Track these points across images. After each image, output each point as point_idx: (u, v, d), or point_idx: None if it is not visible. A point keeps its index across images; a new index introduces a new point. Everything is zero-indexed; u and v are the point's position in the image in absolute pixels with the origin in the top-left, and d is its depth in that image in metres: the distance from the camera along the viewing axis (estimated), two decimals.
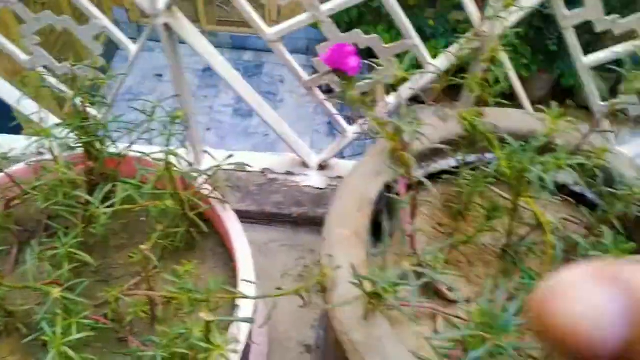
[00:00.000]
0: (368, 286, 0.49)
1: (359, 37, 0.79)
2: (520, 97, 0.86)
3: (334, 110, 0.88)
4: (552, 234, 0.57)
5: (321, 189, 1.00)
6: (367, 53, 0.73)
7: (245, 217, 1.00)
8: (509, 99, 0.72)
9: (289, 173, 1.02)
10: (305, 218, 0.99)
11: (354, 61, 0.37)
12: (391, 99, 0.88)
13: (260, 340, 0.84)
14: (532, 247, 0.63)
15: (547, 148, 0.58)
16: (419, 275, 0.62)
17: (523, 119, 0.70)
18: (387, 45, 0.80)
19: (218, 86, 4.29)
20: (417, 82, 0.81)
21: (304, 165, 1.02)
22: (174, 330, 0.56)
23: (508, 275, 0.62)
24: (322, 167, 1.02)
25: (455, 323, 0.53)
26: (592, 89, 0.82)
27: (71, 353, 0.59)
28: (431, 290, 0.62)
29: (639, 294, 0.21)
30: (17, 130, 0.92)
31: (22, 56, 0.88)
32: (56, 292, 0.62)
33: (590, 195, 0.71)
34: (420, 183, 0.55)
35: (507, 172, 0.54)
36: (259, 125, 4.04)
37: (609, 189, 0.60)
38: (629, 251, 0.48)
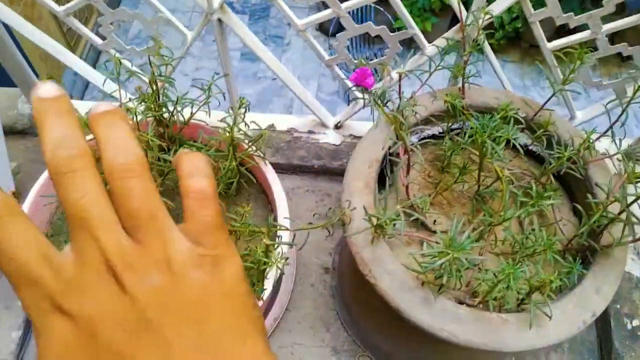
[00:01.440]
0: (374, 221, 0.73)
1: (371, 28, 1.00)
2: (501, 78, 1.08)
3: (349, 84, 1.10)
4: (507, 183, 0.80)
5: (336, 145, 1.23)
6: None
7: (276, 168, 1.23)
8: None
9: (310, 132, 1.25)
10: (324, 169, 1.22)
11: (371, 80, 0.59)
12: (395, 75, 1.10)
13: (291, 262, 1.10)
14: (494, 193, 0.87)
15: (517, 120, 0.81)
16: (410, 214, 0.86)
17: (492, 96, 0.92)
18: (392, 34, 1.01)
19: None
20: (415, 63, 1.02)
21: (323, 125, 1.25)
22: (242, 253, 0.81)
23: (476, 213, 0.86)
24: (337, 127, 1.25)
25: (433, 245, 0.77)
26: (553, 66, 1.04)
27: None
28: (420, 224, 0.86)
29: None
30: None
31: (98, 41, 1.09)
32: None
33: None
34: (412, 148, 0.78)
35: (475, 139, 0.77)
36: (267, 69, 4.19)
37: (549, 151, 0.83)
38: (547, 199, 0.71)
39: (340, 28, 1.01)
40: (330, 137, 1.24)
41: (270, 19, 5.01)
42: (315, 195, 1.23)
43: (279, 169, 1.22)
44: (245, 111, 0.84)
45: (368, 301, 0.92)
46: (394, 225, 0.82)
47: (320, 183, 1.24)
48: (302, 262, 1.15)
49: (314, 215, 1.11)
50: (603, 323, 1.09)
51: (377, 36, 1.02)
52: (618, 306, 1.09)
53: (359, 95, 1.14)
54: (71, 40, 4.14)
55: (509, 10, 3.73)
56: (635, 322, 1.07)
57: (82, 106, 1.22)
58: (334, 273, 1.14)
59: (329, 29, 4.40)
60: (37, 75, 1.24)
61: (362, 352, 1.05)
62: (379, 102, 0.70)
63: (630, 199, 0.76)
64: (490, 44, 3.79)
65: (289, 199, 1.23)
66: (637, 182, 0.76)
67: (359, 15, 4.13)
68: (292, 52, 4.77)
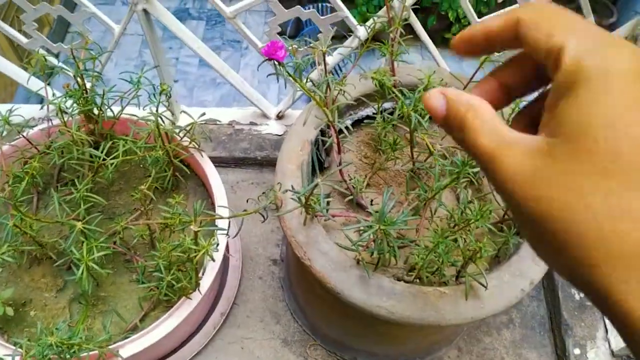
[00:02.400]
0: (303, 200, 0.72)
1: (301, 12, 0.99)
2: (431, 51, 1.08)
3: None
4: (438, 157, 0.80)
5: (279, 135, 1.22)
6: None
7: (218, 162, 1.21)
8: None
9: (252, 123, 1.23)
10: (268, 160, 1.20)
11: (282, 52, 0.58)
12: (329, 59, 1.09)
13: (236, 256, 1.08)
14: (429, 170, 0.86)
15: None
16: (345, 195, 0.85)
17: (413, 73, 0.91)
18: (323, 17, 1.00)
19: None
20: (345, 48, 1.02)
21: (265, 116, 1.23)
22: (171, 244, 0.79)
23: (412, 190, 0.86)
24: (279, 117, 1.23)
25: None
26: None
27: (96, 267, 0.81)
28: (356, 205, 0.85)
29: None
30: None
31: (23, 39, 1.06)
32: (79, 224, 0.83)
33: None
34: (342, 130, 0.76)
35: (401, 114, 0.77)
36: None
37: None
38: (473, 167, 0.70)
39: (297, 31, 1.00)
40: (273, 128, 1.22)
41: (227, 24, 4.97)
42: (260, 187, 1.21)
43: (222, 162, 1.20)
44: (168, 97, 0.82)
45: (311, 287, 0.90)
46: (328, 203, 0.80)
47: (266, 175, 1.22)
48: (249, 255, 1.13)
49: (247, 201, 1.09)
50: (552, 296, 1.10)
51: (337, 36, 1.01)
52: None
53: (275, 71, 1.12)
54: (23, 55, 4.05)
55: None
56: (582, 293, 1.07)
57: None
58: (282, 264, 1.12)
59: (287, 31, 4.39)
60: None
61: (312, 341, 1.03)
62: (296, 77, 0.69)
63: None
64: (447, 38, 3.80)
65: (234, 193, 1.20)
66: None
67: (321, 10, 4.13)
68: (251, 57, 4.74)
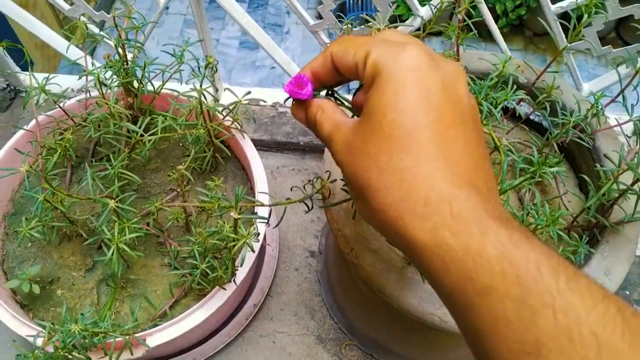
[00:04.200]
0: None
1: None
2: (497, 40, 0.99)
3: None
4: (505, 153, 0.72)
5: None
6: None
7: (259, 145, 1.15)
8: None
9: None
10: (311, 146, 1.14)
11: (308, 90, 0.47)
12: None
13: (273, 246, 1.02)
14: (492, 166, 0.78)
15: (516, 82, 0.72)
16: None
17: (490, 59, 0.83)
18: None
19: (224, 18, 4.25)
20: (407, 29, 0.94)
21: None
22: (208, 230, 0.73)
23: None
24: None
25: None
26: (558, 31, 0.95)
27: (127, 248, 0.76)
28: None
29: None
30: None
31: (66, 6, 1.01)
32: (112, 202, 0.78)
33: (545, 123, 0.85)
34: None
35: None
36: (266, 57, 4.05)
37: (553, 118, 0.74)
38: (552, 166, 0.62)
39: (337, 16, 0.93)
40: None
41: (269, 7, 4.91)
42: (301, 174, 1.15)
43: (263, 146, 1.14)
44: (214, 71, 0.75)
45: (353, 284, 0.84)
46: None
47: (308, 162, 1.16)
48: (286, 245, 1.07)
49: (291, 189, 1.03)
50: None
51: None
52: (627, 292, 1.00)
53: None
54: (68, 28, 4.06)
55: None
56: None
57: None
58: (320, 257, 1.06)
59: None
60: (32, 64, 1.16)
61: (348, 341, 0.97)
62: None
63: None
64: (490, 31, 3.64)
65: (273, 179, 1.14)
66: None
67: (361, 3, 4.03)
68: (291, 42, 4.68)
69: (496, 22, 3.88)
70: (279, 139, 1.13)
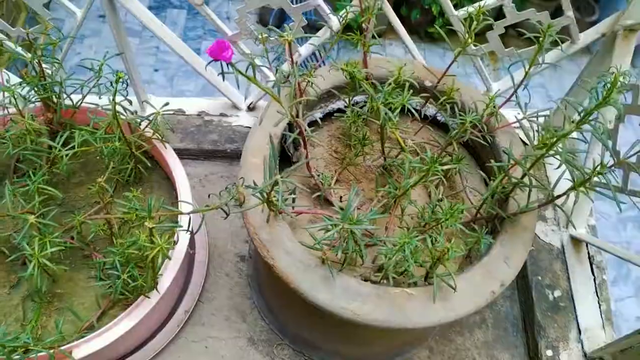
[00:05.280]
0: (265, 196, 0.68)
1: (271, 0, 0.95)
2: (408, 46, 1.04)
3: (258, 62, 1.05)
4: (409, 154, 0.77)
5: (250, 127, 1.18)
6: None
7: (186, 154, 1.17)
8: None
9: (222, 115, 1.19)
10: (238, 153, 1.16)
11: (229, 53, 0.53)
12: (302, 50, 1.05)
13: (202, 252, 1.04)
14: (401, 166, 0.83)
15: (414, 87, 0.77)
16: (315, 190, 0.81)
17: (384, 65, 0.88)
18: (294, 5, 0.96)
19: (164, 24, 4.20)
20: (318, 39, 0.98)
21: (235, 107, 1.19)
22: (128, 240, 0.75)
23: (382, 187, 0.82)
24: (250, 108, 1.19)
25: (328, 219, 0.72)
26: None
27: (49, 263, 0.77)
28: (324, 201, 0.82)
29: None
30: None
31: None
32: (32, 218, 0.79)
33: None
34: (312, 123, 0.73)
35: (371, 107, 0.73)
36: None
37: (452, 119, 0.79)
38: (443, 164, 0.67)
39: (279, 20, 0.96)
40: (244, 120, 1.18)
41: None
42: (230, 181, 1.17)
43: (190, 154, 1.16)
44: (127, 85, 0.77)
45: (276, 285, 0.87)
46: (293, 200, 0.77)
47: (236, 168, 1.18)
48: (216, 251, 1.09)
49: (209, 196, 1.06)
50: (525, 296, 1.08)
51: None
52: (539, 277, 1.07)
53: (269, 74, 1.08)
54: None
55: None
56: (557, 293, 1.06)
57: None
58: (250, 261, 1.08)
59: (269, 21, 4.33)
60: None
61: (280, 341, 1.00)
62: (250, 75, 0.65)
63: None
64: (431, 33, 3.74)
65: (202, 186, 1.16)
66: (543, 147, 0.73)
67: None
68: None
69: (433, 23, 3.99)
70: (206, 147, 1.15)
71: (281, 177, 0.62)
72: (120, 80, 0.74)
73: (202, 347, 0.99)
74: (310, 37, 0.93)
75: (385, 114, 0.68)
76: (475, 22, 0.74)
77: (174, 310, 0.99)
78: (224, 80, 0.61)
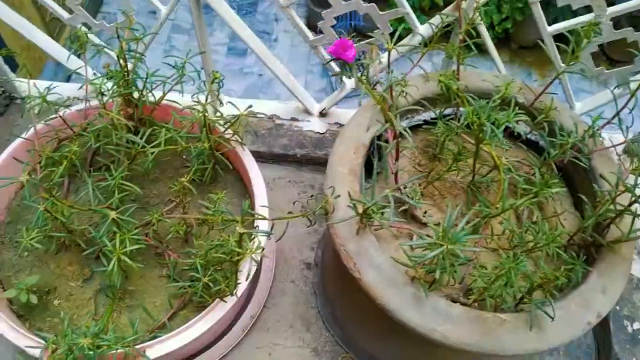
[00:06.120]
0: (360, 208, 0.66)
1: (359, 5, 0.93)
2: (496, 62, 1.01)
3: (336, 68, 1.03)
4: (505, 172, 0.73)
5: (321, 133, 1.16)
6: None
7: (256, 156, 1.15)
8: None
9: (293, 119, 1.17)
10: (308, 158, 1.15)
11: (351, 52, 0.51)
12: (384, 58, 1.03)
13: (270, 257, 1.02)
14: (490, 184, 0.80)
15: (507, 102, 0.74)
16: (400, 204, 0.79)
17: (489, 79, 0.85)
18: (382, 12, 0.94)
19: (212, 24, 4.21)
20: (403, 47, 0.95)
21: (307, 112, 1.18)
22: (211, 243, 0.73)
23: (470, 205, 0.80)
24: (322, 114, 1.17)
25: (424, 237, 0.70)
26: (554, 51, 0.97)
27: (128, 260, 0.76)
28: (409, 216, 0.79)
29: None
30: None
31: (65, 15, 1.01)
32: (113, 213, 0.78)
33: (541, 142, 0.87)
34: (402, 133, 0.71)
35: (471, 124, 0.70)
36: (254, 64, 3.98)
37: (551, 138, 0.76)
38: (551, 187, 0.64)
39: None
40: (315, 125, 1.16)
41: (258, 14, 4.89)
42: (297, 186, 1.15)
43: (260, 157, 1.15)
44: (219, 87, 0.76)
45: (352, 298, 0.84)
46: (382, 214, 0.74)
47: (304, 173, 1.16)
48: (282, 257, 1.07)
49: (293, 203, 1.04)
50: (601, 325, 1.03)
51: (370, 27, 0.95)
52: (618, 308, 1.02)
53: (345, 80, 1.07)
54: (54, 31, 4.02)
55: (499, 10, 3.68)
56: (635, 325, 1.01)
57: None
58: (317, 269, 1.06)
59: (317, 26, 4.32)
60: (17, 66, 1.16)
61: (344, 354, 0.98)
62: (364, 79, 0.63)
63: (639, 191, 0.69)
64: (479, 44, 3.72)
65: (270, 190, 1.15)
66: None
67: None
68: (279, 49, 4.68)
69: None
70: (276, 151, 1.13)
71: (389, 192, 0.60)
72: (216, 80, 0.73)
73: (266, 353, 0.97)
74: (399, 45, 0.91)
75: (492, 130, 0.65)
76: (585, 40, 0.71)
77: (239, 314, 0.98)
78: (341, 81, 0.59)
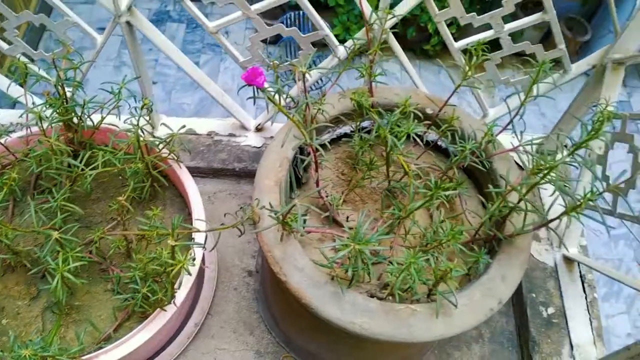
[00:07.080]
0: (280, 217, 0.73)
1: (282, 29, 1.00)
2: (412, 77, 1.10)
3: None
4: (413, 177, 0.82)
5: (258, 147, 1.23)
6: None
7: (196, 172, 1.22)
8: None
9: (231, 135, 1.24)
10: (246, 171, 1.22)
11: (261, 79, 0.60)
12: (309, 76, 1.11)
13: (212, 267, 1.09)
14: (404, 189, 0.88)
15: (417, 116, 0.82)
16: (324, 211, 0.86)
17: (396, 93, 0.93)
18: (304, 35, 1.02)
19: None
20: (325, 67, 1.04)
21: (244, 128, 1.24)
22: (148, 256, 0.79)
23: (387, 208, 0.88)
24: (258, 129, 1.24)
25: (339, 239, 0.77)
26: (462, 65, 1.06)
27: (72, 277, 0.81)
28: (332, 221, 0.87)
29: None
30: None
31: (4, 45, 1.06)
32: (55, 233, 0.83)
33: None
34: (320, 147, 0.78)
35: (378, 134, 0.79)
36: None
37: (452, 145, 0.85)
38: (446, 190, 0.72)
39: (277, 37, 1.01)
40: (252, 140, 1.23)
41: None
42: (238, 198, 1.22)
43: (200, 172, 1.21)
44: (150, 111, 0.82)
45: (286, 301, 0.91)
46: (305, 221, 0.82)
47: (243, 186, 1.23)
48: (224, 266, 1.14)
49: (224, 215, 1.10)
50: (520, 312, 1.13)
51: (319, 43, 1.03)
52: (534, 295, 1.12)
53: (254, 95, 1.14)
54: None
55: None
56: (550, 310, 1.11)
57: None
58: (257, 276, 1.13)
59: (267, 38, 4.38)
60: None
61: (285, 354, 1.04)
62: (276, 100, 0.70)
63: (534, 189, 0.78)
64: (426, 50, 3.78)
65: (211, 203, 1.21)
66: (538, 173, 0.78)
67: (298, 23, 4.13)
68: (231, 61, 4.72)
69: (428, 40, 4.06)
70: (215, 166, 1.20)
71: (297, 201, 0.67)
72: (145, 106, 0.79)
73: (212, 358, 1.03)
74: (317, 68, 0.99)
75: (392, 141, 0.74)
76: (475, 58, 0.80)
77: (184, 323, 1.04)
78: (255, 104, 0.66)
